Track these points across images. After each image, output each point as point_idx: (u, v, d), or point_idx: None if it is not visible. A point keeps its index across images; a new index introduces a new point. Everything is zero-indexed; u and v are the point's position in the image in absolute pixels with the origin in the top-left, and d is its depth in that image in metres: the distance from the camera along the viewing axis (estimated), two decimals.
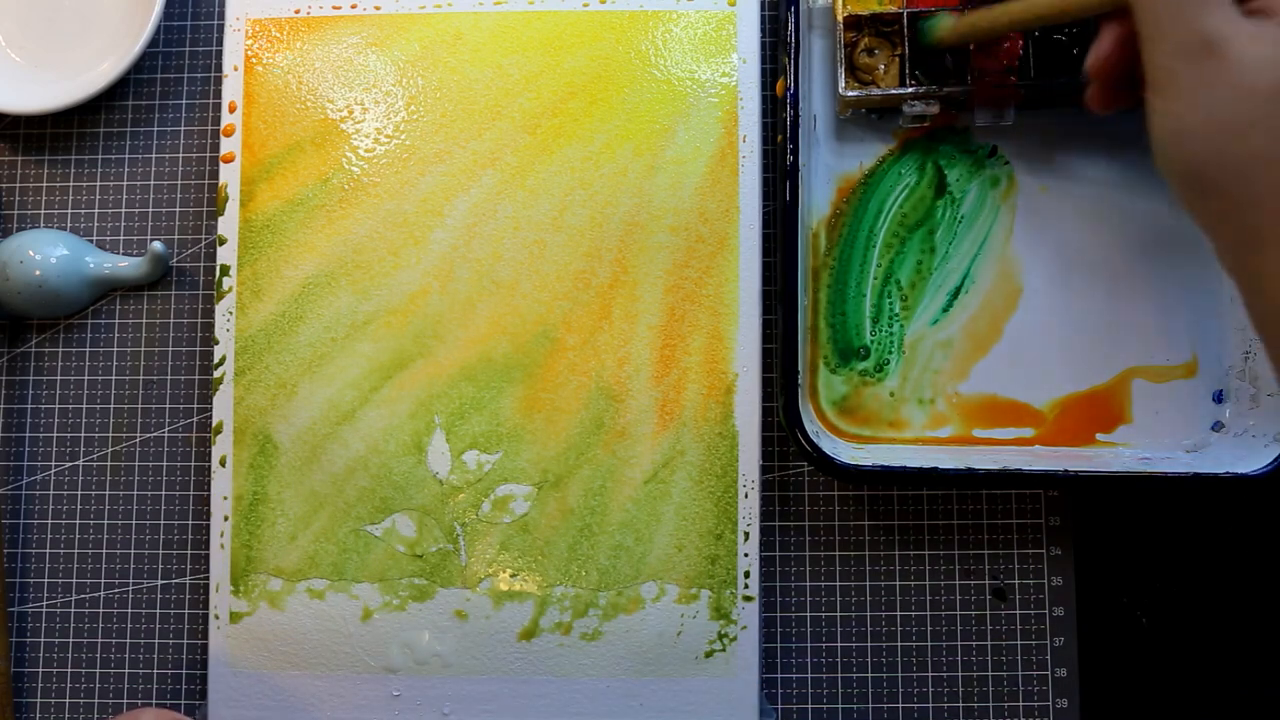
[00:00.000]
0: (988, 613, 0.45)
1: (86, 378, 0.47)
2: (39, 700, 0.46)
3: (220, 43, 0.48)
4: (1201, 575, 0.45)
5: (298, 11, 0.47)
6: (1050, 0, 0.38)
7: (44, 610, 0.46)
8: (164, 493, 0.47)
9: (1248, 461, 0.41)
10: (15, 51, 0.49)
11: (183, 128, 0.49)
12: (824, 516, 0.46)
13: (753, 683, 0.43)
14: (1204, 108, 0.30)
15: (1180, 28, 0.30)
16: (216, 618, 0.44)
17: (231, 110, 0.46)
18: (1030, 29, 0.41)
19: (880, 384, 0.45)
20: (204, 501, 0.46)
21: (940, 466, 0.42)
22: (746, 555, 0.43)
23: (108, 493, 0.47)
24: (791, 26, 0.43)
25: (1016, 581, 0.45)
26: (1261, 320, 0.33)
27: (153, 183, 0.48)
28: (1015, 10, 0.39)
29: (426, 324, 0.45)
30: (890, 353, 0.45)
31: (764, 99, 0.46)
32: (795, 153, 0.43)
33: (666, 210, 0.45)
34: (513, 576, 0.44)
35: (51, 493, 0.47)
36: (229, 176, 0.46)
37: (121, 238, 0.48)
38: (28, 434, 0.47)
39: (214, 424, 0.45)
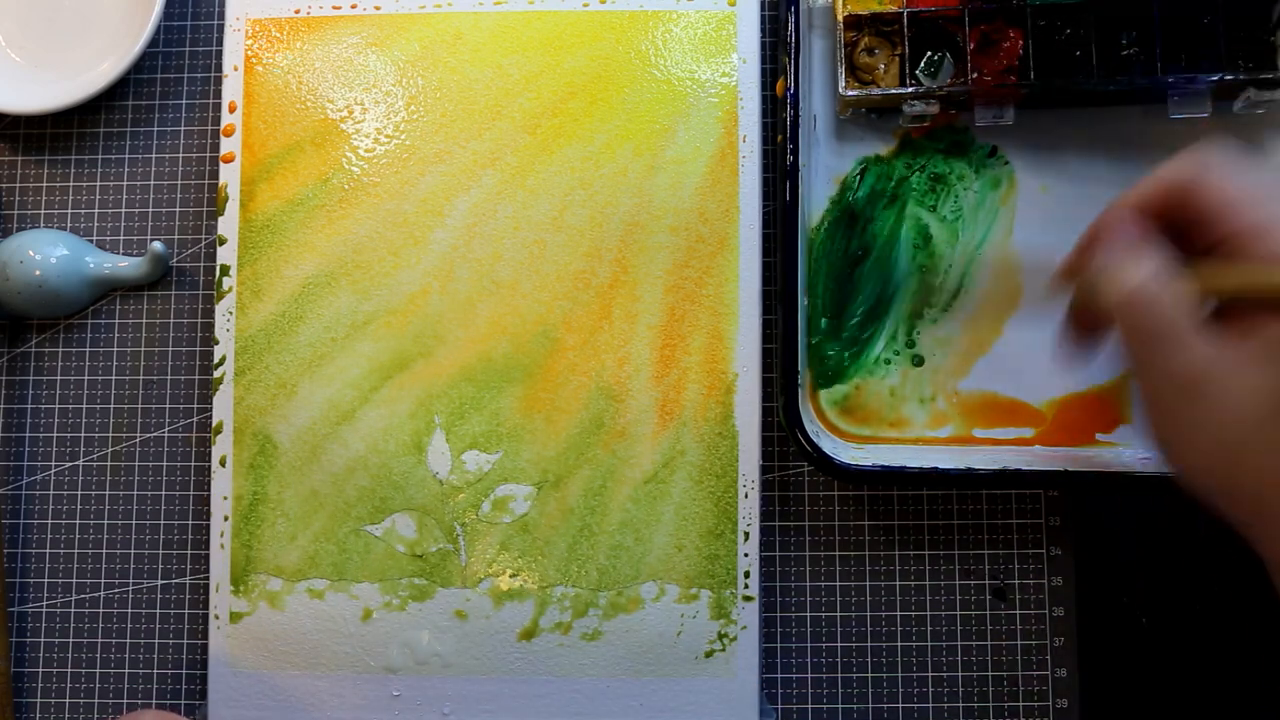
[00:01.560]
0: (988, 613, 0.45)
1: (86, 378, 0.47)
2: (39, 700, 0.46)
3: (220, 43, 0.48)
4: (1201, 575, 0.45)
5: (298, 11, 0.47)
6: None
7: (44, 610, 0.46)
8: (164, 493, 0.47)
9: None
10: (15, 51, 0.49)
11: (183, 128, 0.49)
12: (824, 516, 0.46)
13: (753, 683, 0.43)
14: (1200, 440, 0.30)
15: (1163, 363, 0.30)
16: (216, 618, 0.44)
17: (231, 110, 0.46)
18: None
19: (881, 380, 0.45)
20: (204, 501, 0.46)
21: (940, 466, 0.42)
22: (746, 555, 0.43)
23: (108, 493, 0.47)
24: (791, 26, 0.43)
25: (1016, 581, 0.45)
26: None
27: (153, 183, 0.48)
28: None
29: (426, 324, 0.45)
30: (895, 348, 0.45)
31: (764, 99, 0.46)
32: (795, 153, 0.43)
33: (666, 210, 0.45)
34: (513, 576, 0.44)
35: (51, 493, 0.47)
36: (229, 176, 0.46)
37: (121, 238, 0.48)
38: (28, 434, 0.47)
39: (214, 424, 0.45)
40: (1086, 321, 0.35)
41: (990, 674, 0.45)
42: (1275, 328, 0.29)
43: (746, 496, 0.43)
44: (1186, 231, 0.32)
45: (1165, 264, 0.31)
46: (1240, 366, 0.30)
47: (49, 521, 0.47)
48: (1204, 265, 0.31)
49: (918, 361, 0.45)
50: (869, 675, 0.45)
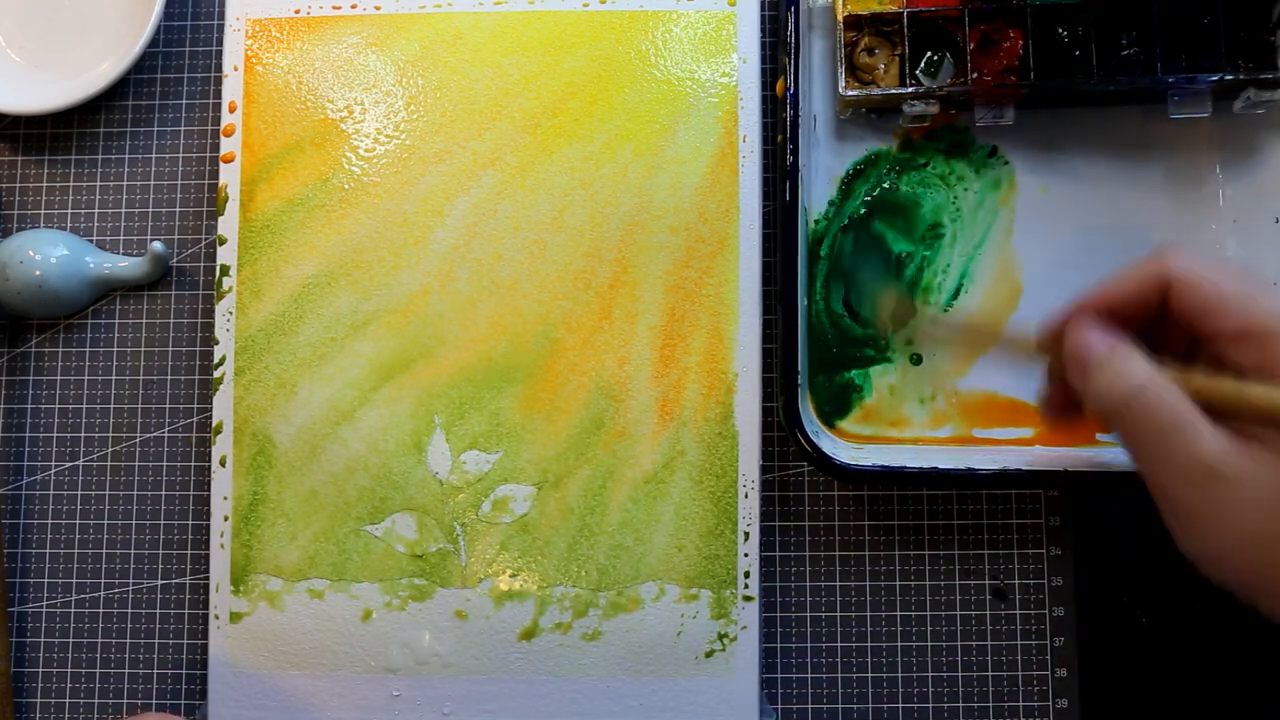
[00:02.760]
0: (988, 613, 0.45)
1: (86, 378, 0.47)
2: (39, 700, 0.46)
3: (220, 43, 0.48)
4: (1201, 575, 0.45)
5: (298, 11, 0.47)
6: (1016, 344, 0.38)
7: (44, 610, 0.46)
8: (164, 493, 0.47)
9: None
10: (15, 51, 0.49)
11: (183, 128, 0.49)
12: (824, 516, 0.46)
13: (753, 683, 0.43)
14: (1228, 530, 0.30)
15: (1178, 458, 0.30)
16: (216, 618, 0.44)
17: (231, 110, 0.46)
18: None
19: (881, 376, 0.45)
20: (204, 501, 0.46)
21: (940, 466, 0.42)
22: (746, 555, 0.43)
23: (108, 493, 0.47)
24: (791, 26, 0.43)
25: (1016, 581, 0.45)
26: None
27: (153, 183, 0.48)
28: (989, 336, 0.41)
29: (426, 324, 0.45)
30: (892, 349, 0.45)
31: (764, 99, 0.46)
32: (795, 153, 0.43)
33: (666, 210, 0.45)
34: (512, 576, 0.44)
35: (51, 493, 0.47)
36: (229, 176, 0.46)
37: (121, 238, 0.48)
38: (28, 434, 0.47)
39: (214, 424, 0.45)
40: (1069, 392, 0.35)
41: (990, 674, 0.45)
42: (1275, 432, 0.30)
43: (746, 496, 0.43)
44: (1159, 328, 0.32)
45: (1154, 364, 0.31)
46: (1256, 461, 0.30)
47: (49, 521, 0.47)
48: (1194, 373, 0.31)
49: (916, 360, 0.45)
50: (869, 675, 0.45)
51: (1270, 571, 0.30)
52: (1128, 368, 0.31)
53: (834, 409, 0.44)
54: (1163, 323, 0.33)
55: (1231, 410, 0.30)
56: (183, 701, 0.46)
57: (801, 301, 0.43)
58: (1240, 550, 0.30)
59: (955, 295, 0.45)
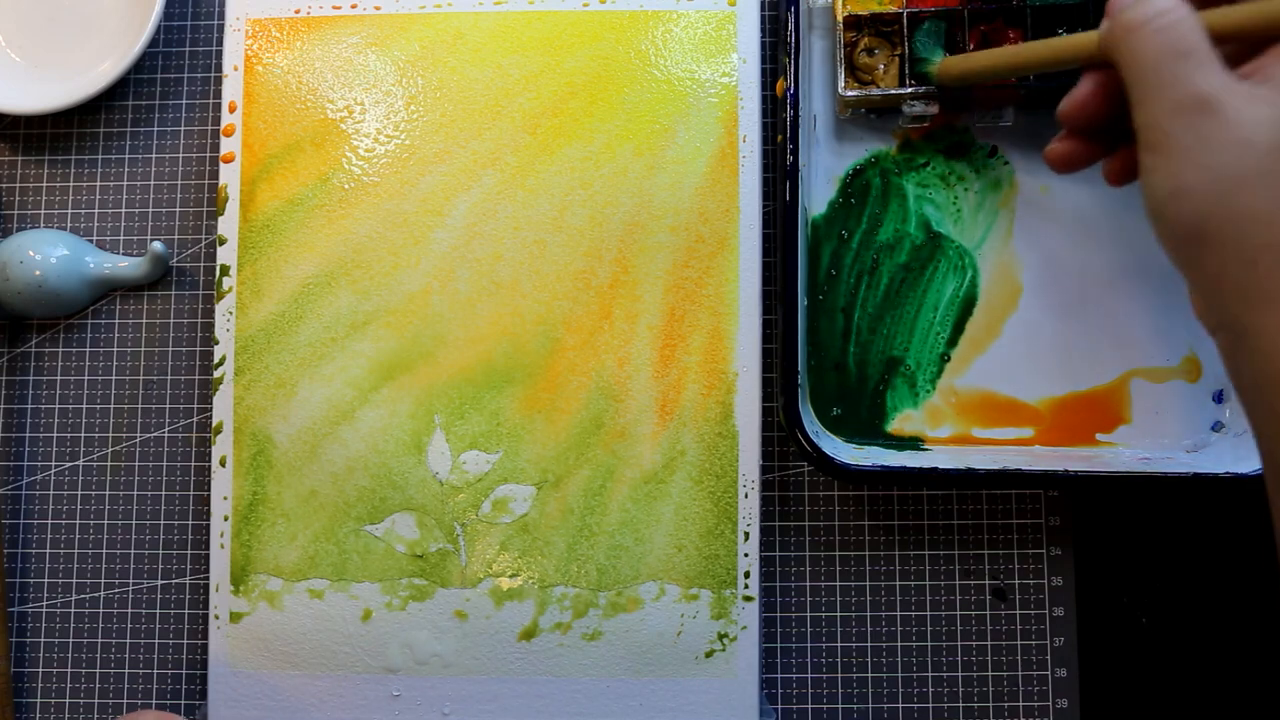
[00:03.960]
0: (988, 613, 0.45)
1: (86, 378, 0.47)
2: (39, 700, 0.46)
3: (220, 43, 0.48)
4: (1201, 575, 0.45)
5: (298, 11, 0.47)
6: (1035, 50, 0.38)
7: (44, 610, 0.46)
8: (164, 493, 0.47)
9: (1248, 461, 0.41)
10: (15, 51, 0.49)
11: (183, 128, 0.49)
12: (824, 516, 0.46)
13: (753, 683, 0.43)
14: (1201, 165, 0.30)
15: (1175, 87, 0.30)
16: (216, 618, 0.44)
17: (231, 110, 0.46)
18: (1016, 75, 0.41)
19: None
20: (204, 501, 0.46)
21: (940, 466, 0.42)
22: (746, 555, 0.43)
23: (108, 493, 0.47)
24: (791, 26, 0.43)
25: (1016, 581, 0.45)
26: (1253, 382, 0.31)
27: (153, 183, 0.48)
28: (1001, 57, 0.39)
29: (426, 324, 0.45)
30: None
31: (764, 99, 0.46)
32: (795, 153, 0.43)
33: (666, 210, 0.45)
34: (512, 576, 0.44)
35: (51, 493, 0.47)
36: (229, 176, 0.46)
37: (121, 238, 0.48)
38: (28, 434, 0.47)
39: (214, 424, 0.45)
40: (1092, 104, 0.35)
41: (990, 674, 0.45)
42: None
43: (746, 496, 0.43)
44: None
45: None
46: (1255, 98, 0.30)
47: (49, 521, 0.47)
48: (1215, 10, 0.31)
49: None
50: (869, 675, 0.45)
51: (1213, 223, 0.30)
52: None
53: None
54: None
55: (1250, 29, 0.31)
56: (183, 701, 0.46)
57: (801, 301, 0.43)
58: (1201, 190, 0.30)
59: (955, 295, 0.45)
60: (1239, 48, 0.32)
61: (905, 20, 0.44)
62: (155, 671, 0.46)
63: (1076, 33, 0.35)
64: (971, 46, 0.43)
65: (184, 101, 0.49)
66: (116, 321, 0.48)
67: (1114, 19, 0.32)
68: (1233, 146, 0.30)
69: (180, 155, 0.49)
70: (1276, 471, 0.31)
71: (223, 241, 0.45)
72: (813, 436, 0.42)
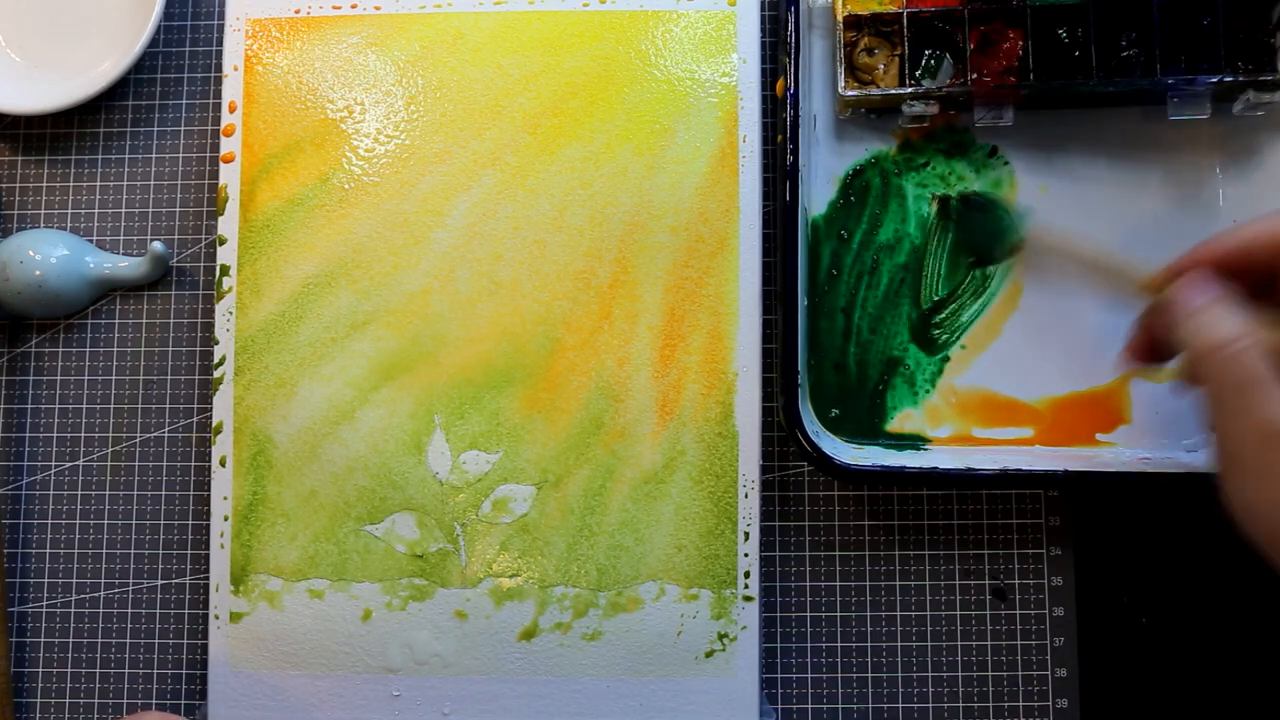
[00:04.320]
0: (988, 613, 0.45)
1: (86, 378, 0.47)
2: (39, 700, 0.46)
3: (220, 43, 0.48)
4: (1201, 575, 0.45)
5: (298, 11, 0.47)
6: (1123, 274, 0.38)
7: (44, 610, 0.46)
8: (164, 493, 0.47)
9: None
10: (15, 51, 0.49)
11: (183, 128, 0.49)
12: (824, 516, 0.46)
13: (753, 683, 0.43)
14: (1271, 487, 0.31)
15: (1245, 416, 0.31)
16: (216, 618, 0.44)
17: (231, 110, 0.46)
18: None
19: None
20: (204, 501, 0.46)
21: (940, 466, 0.42)
22: (746, 555, 0.43)
23: (108, 493, 0.47)
24: (791, 26, 0.43)
25: (1016, 581, 0.45)
26: None
27: (153, 183, 0.48)
28: (1094, 259, 0.40)
29: (426, 324, 0.45)
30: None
31: (764, 99, 0.46)
32: (795, 153, 0.43)
33: (666, 210, 0.45)
34: (512, 576, 0.44)
35: (51, 493, 0.47)
36: (229, 176, 0.46)
37: (121, 238, 0.48)
38: (28, 434, 0.47)
39: (214, 424, 0.45)
40: (1158, 342, 0.36)
41: (990, 674, 0.45)
42: None
43: (746, 496, 0.43)
44: (1265, 288, 0.33)
45: (1252, 318, 0.32)
46: None
47: (49, 521, 0.47)
48: None
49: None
50: (869, 675, 0.45)
51: None
52: (1221, 318, 0.32)
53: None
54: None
55: None
56: (183, 701, 0.46)
57: (801, 301, 0.43)
58: (1274, 509, 0.31)
59: (953, 295, 0.45)
60: None
61: (905, 20, 0.44)
62: (155, 671, 0.46)
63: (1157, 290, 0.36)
64: (971, 47, 0.43)
65: (184, 101, 0.49)
66: (116, 321, 0.48)
67: (1188, 341, 0.33)
68: None
69: (180, 155, 0.49)
70: None
71: (223, 241, 0.45)
72: (813, 436, 0.42)
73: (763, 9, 0.46)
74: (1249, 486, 0.32)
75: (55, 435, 0.47)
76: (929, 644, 0.45)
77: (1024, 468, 0.42)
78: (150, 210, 0.48)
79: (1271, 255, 0.33)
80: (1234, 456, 0.32)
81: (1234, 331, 0.32)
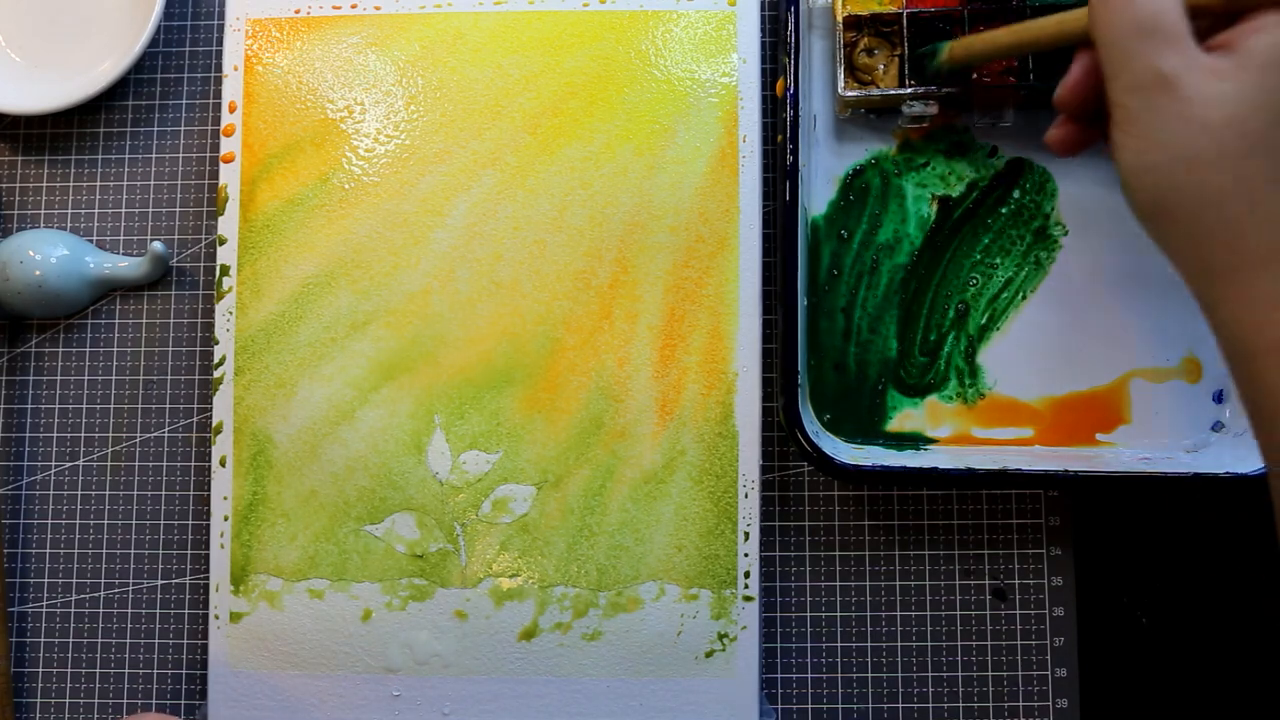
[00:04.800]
0: (988, 613, 0.45)
1: (86, 378, 0.47)
2: (39, 700, 0.46)
3: (220, 43, 0.48)
4: (1201, 575, 0.45)
5: (298, 11, 0.47)
6: (1030, 29, 0.38)
7: (44, 610, 0.46)
8: (164, 493, 0.47)
9: (1248, 461, 0.41)
10: (15, 51, 0.49)
11: (183, 128, 0.49)
12: (824, 516, 0.46)
13: (753, 683, 0.43)
14: (1160, 143, 0.31)
15: (1139, 64, 0.31)
16: (216, 618, 0.44)
17: (231, 110, 0.46)
18: (1017, 54, 0.41)
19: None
20: (204, 501, 0.46)
21: (940, 466, 0.42)
22: (746, 555, 0.43)
23: (108, 493, 0.47)
24: (791, 26, 0.43)
25: (1016, 581, 0.45)
26: (1226, 352, 0.33)
27: (153, 183, 0.48)
28: (1001, 38, 0.39)
29: (426, 324, 0.45)
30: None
31: (764, 99, 0.46)
32: (795, 153, 0.43)
33: (666, 210, 0.45)
34: (512, 576, 0.44)
35: (51, 493, 0.47)
36: (229, 176, 0.46)
37: (121, 238, 0.48)
38: (28, 434, 0.47)
39: (214, 424, 0.45)
40: (1084, 87, 0.35)
41: (990, 674, 0.45)
42: (1254, 39, 0.30)
43: (746, 496, 0.43)
44: None
45: None
46: (1215, 74, 0.30)
47: (49, 521, 0.47)
48: None
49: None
50: (869, 675, 0.45)
51: (1171, 200, 0.31)
52: None
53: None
54: None
55: (1228, 4, 0.31)
56: (183, 701, 0.46)
57: (801, 301, 0.43)
58: (1161, 168, 0.31)
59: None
60: (1215, 20, 0.32)
61: (905, 20, 0.44)
62: (155, 671, 0.46)
63: (1075, 9, 0.35)
64: None
65: (184, 101, 0.49)
66: (116, 321, 0.48)
67: None
68: (1189, 124, 0.30)
69: (180, 155, 0.49)
70: (1266, 435, 0.32)
71: (223, 241, 0.45)
72: (813, 436, 0.42)
73: (763, 9, 0.46)
74: (1133, 145, 0.31)
75: (55, 435, 0.47)
76: (929, 644, 0.45)
77: (1024, 468, 0.42)
78: (150, 210, 0.48)
79: None
80: (1121, 112, 0.31)
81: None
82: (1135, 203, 0.32)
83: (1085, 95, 0.36)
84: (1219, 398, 0.44)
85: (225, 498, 0.44)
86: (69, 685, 0.46)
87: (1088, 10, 0.33)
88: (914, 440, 0.45)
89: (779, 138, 0.44)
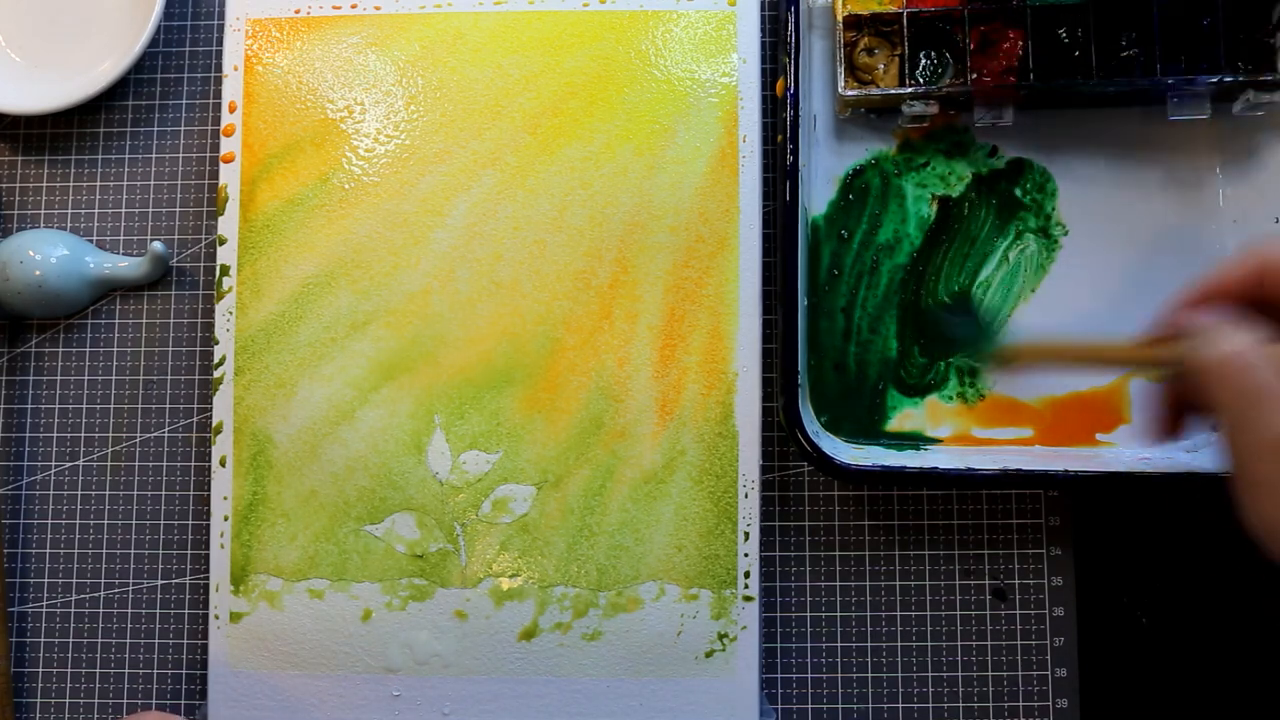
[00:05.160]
0: (988, 613, 0.45)
1: (86, 378, 0.47)
2: (39, 700, 0.46)
3: (220, 43, 0.48)
4: (1201, 575, 0.45)
5: (298, 11, 0.47)
6: (1103, 352, 0.38)
7: (44, 610, 0.46)
8: (164, 493, 0.47)
9: None
10: (15, 51, 0.49)
11: (183, 128, 0.49)
12: (824, 516, 0.46)
13: (753, 683, 0.43)
14: None
15: (1253, 431, 0.31)
16: (216, 618, 0.44)
17: (231, 110, 0.46)
18: (1088, 369, 0.41)
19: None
20: (204, 501, 0.46)
21: (940, 466, 0.42)
22: (746, 555, 0.43)
23: (108, 493, 0.47)
24: (791, 26, 0.43)
25: (1016, 581, 0.45)
26: None
27: (153, 183, 0.48)
28: (1069, 352, 0.39)
29: (426, 324, 0.45)
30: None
31: (764, 99, 0.46)
32: (795, 153, 0.43)
33: (666, 210, 0.45)
34: (512, 576, 0.44)
35: (51, 493, 0.47)
36: (229, 176, 0.46)
37: (121, 238, 0.48)
38: (28, 434, 0.47)
39: (214, 424, 0.45)
40: (1180, 398, 0.36)
41: (990, 674, 0.45)
42: None
43: (746, 496, 0.43)
44: (1273, 314, 0.33)
45: (1259, 332, 0.32)
46: None
47: (49, 521, 0.47)
48: None
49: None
50: (869, 675, 0.45)
51: None
52: (1227, 333, 0.32)
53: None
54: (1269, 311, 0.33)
55: None
56: (183, 701, 0.46)
57: (801, 301, 0.43)
58: None
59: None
60: None
61: (905, 20, 0.44)
62: (155, 671, 0.46)
63: (1157, 345, 0.35)
64: (971, 47, 0.43)
65: (184, 101, 0.49)
66: (116, 321, 0.48)
67: (1190, 363, 0.33)
68: None
69: (180, 155, 0.49)
70: None
71: (223, 241, 0.45)
72: (813, 436, 0.42)
73: (763, 9, 0.46)
74: (1262, 503, 0.31)
75: (55, 435, 0.47)
76: (929, 644, 0.45)
77: (1024, 468, 0.42)
78: (150, 210, 0.48)
79: (1246, 289, 0.33)
80: (1247, 471, 0.32)
81: (1243, 343, 0.32)
82: (1274, 551, 0.32)
83: (1178, 421, 0.36)
84: None
85: (225, 498, 0.44)
86: (69, 685, 0.46)
87: (1177, 349, 0.34)
88: (914, 440, 0.45)
89: (779, 138, 0.44)
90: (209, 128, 0.49)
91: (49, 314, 0.47)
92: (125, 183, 0.48)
